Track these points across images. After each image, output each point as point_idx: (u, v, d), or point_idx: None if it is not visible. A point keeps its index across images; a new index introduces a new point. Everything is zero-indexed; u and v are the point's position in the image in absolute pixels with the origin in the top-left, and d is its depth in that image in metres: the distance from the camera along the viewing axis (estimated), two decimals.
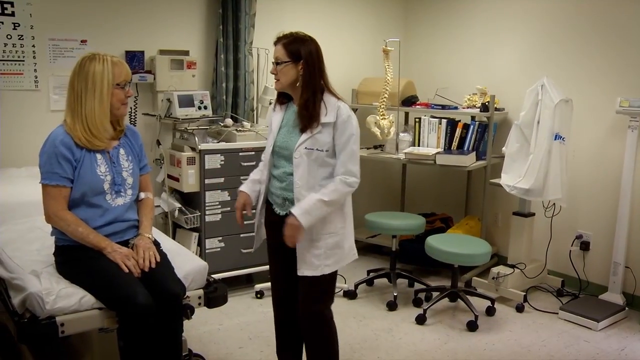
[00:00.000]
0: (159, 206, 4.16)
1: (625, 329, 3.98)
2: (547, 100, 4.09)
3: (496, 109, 4.70)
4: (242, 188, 2.86)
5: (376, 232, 4.82)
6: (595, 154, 4.45)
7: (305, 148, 2.61)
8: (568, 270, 4.62)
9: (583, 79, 4.45)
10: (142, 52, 4.24)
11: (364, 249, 5.20)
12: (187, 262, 2.77)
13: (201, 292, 2.71)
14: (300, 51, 2.61)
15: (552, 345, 3.73)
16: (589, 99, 4.40)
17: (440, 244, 4.05)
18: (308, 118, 2.61)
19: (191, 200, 4.18)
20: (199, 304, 2.67)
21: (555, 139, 4.09)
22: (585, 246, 4.54)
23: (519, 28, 4.85)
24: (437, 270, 4.85)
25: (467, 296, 4.12)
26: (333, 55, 5.33)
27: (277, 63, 2.64)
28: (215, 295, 2.72)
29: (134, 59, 4.20)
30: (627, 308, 4.17)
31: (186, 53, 4.36)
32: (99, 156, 2.56)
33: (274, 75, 2.70)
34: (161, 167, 4.25)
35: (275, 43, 2.68)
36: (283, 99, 2.80)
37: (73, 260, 2.53)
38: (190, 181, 4.01)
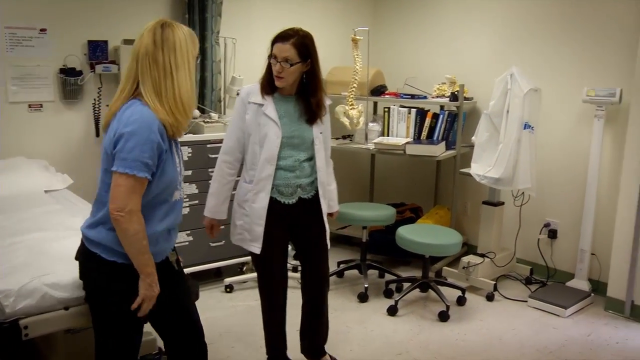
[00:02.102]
0: None
1: (592, 314, 4.04)
2: (517, 89, 4.10)
3: (465, 99, 4.70)
4: (206, 214, 2.96)
5: (346, 224, 4.79)
6: (563, 143, 4.49)
7: (320, 133, 2.86)
8: (536, 258, 4.67)
9: (551, 69, 4.47)
10: (106, 42, 4.11)
11: (334, 240, 5.05)
12: None
13: None
14: (309, 50, 2.71)
15: (523, 333, 3.76)
16: (556, 89, 4.43)
17: (412, 235, 4.04)
18: (319, 110, 2.82)
19: None
20: None
21: (524, 128, 4.10)
22: (553, 234, 4.59)
23: (488, 18, 4.85)
24: (407, 260, 4.85)
25: (438, 286, 4.13)
26: None
27: (286, 62, 2.67)
28: None
29: (97, 49, 4.07)
30: (592, 294, 4.23)
31: None
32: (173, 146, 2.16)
33: (277, 73, 2.71)
34: None
35: (281, 41, 2.69)
36: (267, 88, 2.80)
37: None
38: None
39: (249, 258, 4.35)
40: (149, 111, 1.98)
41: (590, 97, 4.10)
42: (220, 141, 4.07)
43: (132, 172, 1.94)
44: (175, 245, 3.76)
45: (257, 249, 2.84)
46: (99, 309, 2.13)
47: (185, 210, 4.05)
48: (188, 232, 4.09)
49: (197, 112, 4.25)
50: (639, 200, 3.87)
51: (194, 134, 4.08)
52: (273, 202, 2.82)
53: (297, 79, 2.77)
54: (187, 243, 4.10)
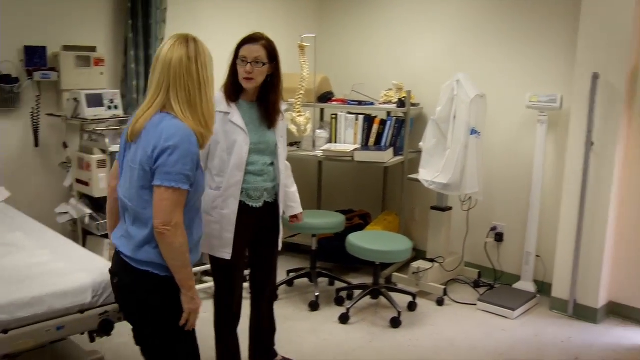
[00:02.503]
0: (66, 213, 3.91)
1: (538, 315, 4.14)
2: (463, 95, 4.16)
3: (412, 105, 4.75)
4: None
5: (296, 232, 4.75)
6: (508, 147, 4.58)
7: (281, 137, 2.95)
8: (484, 262, 4.75)
9: (496, 75, 4.57)
10: (44, 48, 3.94)
11: (283, 248, 5.11)
12: (105, 272, 2.54)
13: (116, 306, 2.52)
14: (275, 52, 2.83)
15: (474, 336, 3.81)
16: (501, 95, 4.52)
17: (362, 242, 4.04)
18: (277, 114, 2.89)
19: (102, 206, 3.94)
20: (119, 318, 2.50)
21: (471, 134, 4.16)
22: (499, 237, 4.67)
23: (434, 24, 4.91)
24: (356, 267, 4.84)
25: (389, 293, 4.14)
26: None
27: (257, 62, 2.73)
28: None
29: (35, 54, 3.90)
30: (538, 295, 4.33)
31: (93, 49, 4.11)
32: None
33: (247, 74, 2.74)
34: (68, 171, 4.00)
35: (252, 42, 2.76)
36: (232, 95, 2.83)
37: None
38: (101, 185, 3.78)
39: (197, 269, 4.26)
40: (183, 124, 1.99)
41: (533, 103, 4.20)
42: None
43: (177, 185, 1.95)
44: None
45: (227, 254, 2.84)
46: (160, 325, 2.11)
47: None
48: None
49: None
50: (580, 202, 3.98)
51: None
52: (242, 206, 2.86)
53: (261, 82, 2.82)
54: None
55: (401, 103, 4.70)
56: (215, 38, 4.91)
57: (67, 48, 3.99)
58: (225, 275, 2.97)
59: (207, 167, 2.84)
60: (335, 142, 5.02)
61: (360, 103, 4.95)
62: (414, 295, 4.21)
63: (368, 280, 4.27)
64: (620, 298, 4.13)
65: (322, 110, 5.40)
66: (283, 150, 2.99)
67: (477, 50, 4.66)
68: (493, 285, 4.58)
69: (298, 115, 4.71)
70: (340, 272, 4.75)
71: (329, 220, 4.39)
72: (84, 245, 3.93)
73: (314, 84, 4.88)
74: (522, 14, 4.41)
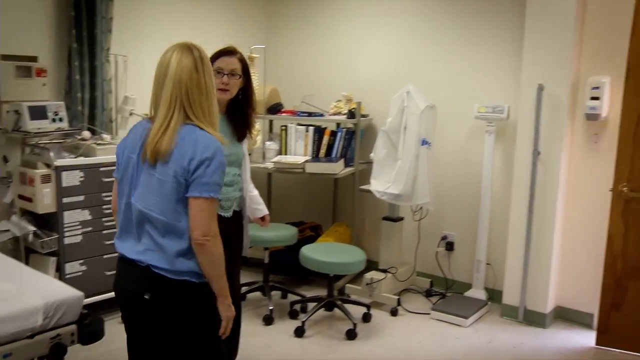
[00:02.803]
0: (8, 231, 3.73)
1: (490, 322, 4.20)
2: (413, 106, 4.20)
3: (362, 116, 4.77)
4: None
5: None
6: (458, 157, 4.65)
7: (246, 149, 3.00)
8: (435, 271, 4.79)
9: (445, 86, 4.64)
10: None
11: None
12: (57, 291, 2.48)
13: (74, 327, 2.42)
14: (247, 67, 2.88)
15: (429, 345, 3.83)
16: (450, 106, 4.59)
17: (316, 254, 4.01)
18: (250, 128, 2.93)
19: (47, 222, 3.78)
20: (72, 341, 2.39)
21: (422, 144, 4.20)
22: (450, 246, 4.73)
23: (383, 36, 4.96)
24: (309, 279, 4.81)
25: (344, 304, 4.12)
26: None
27: (233, 75, 2.77)
28: (90, 329, 2.45)
29: None
30: (489, 302, 4.40)
31: (34, 59, 3.94)
32: None
33: (224, 85, 2.75)
34: (9, 187, 3.81)
35: (228, 55, 2.80)
36: None
37: (215, 311, 2.09)
38: (45, 201, 3.62)
39: None
40: (211, 135, 2.02)
41: (481, 114, 4.29)
42: (114, 164, 3.87)
43: (215, 195, 1.98)
44: (67, 276, 3.51)
45: None
46: (199, 331, 2.09)
47: (77, 239, 3.80)
48: (81, 261, 3.82)
49: (87, 134, 3.99)
50: (528, 210, 4.08)
51: (85, 156, 3.83)
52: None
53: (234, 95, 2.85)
54: (80, 273, 3.82)
55: (351, 114, 4.72)
56: (161, 48, 4.79)
57: (6, 57, 3.81)
58: None
59: None
60: (286, 154, 4.98)
61: (310, 114, 4.94)
62: (368, 307, 4.20)
63: (321, 292, 4.25)
64: (565, 302, 4.24)
65: (271, 122, 5.36)
66: (248, 162, 3.07)
67: (426, 61, 4.73)
68: (445, 294, 4.63)
69: None
70: (292, 284, 4.71)
71: (281, 233, 4.34)
72: (27, 263, 3.75)
73: (264, 95, 4.84)
74: (470, 27, 4.50)
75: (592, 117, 3.89)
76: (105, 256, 3.93)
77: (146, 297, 2.02)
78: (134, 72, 4.54)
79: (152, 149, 1.98)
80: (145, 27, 4.62)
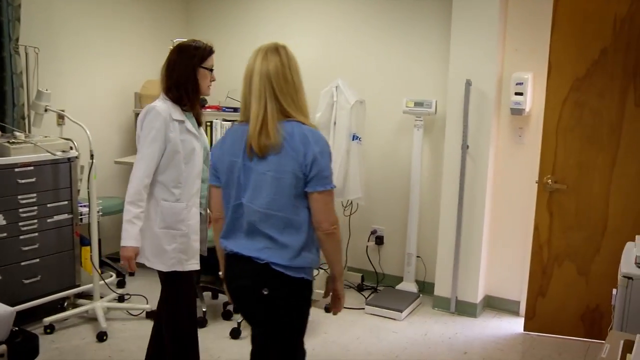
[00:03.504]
0: None
1: (423, 314, 4.26)
2: (343, 101, 4.18)
3: None
4: (131, 242, 2.72)
5: None
6: (387, 152, 4.68)
7: None
8: (366, 265, 4.81)
9: (373, 81, 4.65)
10: None
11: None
12: None
13: (4, 347, 2.22)
14: None
15: (367, 340, 3.83)
16: (379, 100, 4.61)
17: None
18: (200, 121, 2.91)
19: None
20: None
21: (352, 140, 4.20)
22: (379, 240, 4.76)
23: (309, 28, 4.90)
24: None
25: None
26: (112, 57, 4.89)
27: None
28: (23, 348, 2.25)
29: None
30: (420, 295, 4.47)
31: None
32: None
33: (212, 83, 2.84)
34: None
35: (213, 53, 2.84)
36: (193, 104, 2.80)
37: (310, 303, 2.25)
38: None
39: (70, 292, 3.91)
40: (314, 128, 2.11)
41: (409, 108, 4.33)
42: (30, 164, 3.61)
43: (333, 186, 2.10)
44: None
45: (197, 265, 2.83)
46: (302, 323, 2.24)
47: None
48: None
49: None
50: (458, 204, 4.16)
51: None
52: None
53: None
54: None
55: None
56: (75, 39, 4.56)
57: None
58: (186, 286, 2.86)
59: (158, 181, 2.70)
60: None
61: (235, 110, 4.82)
62: None
63: None
64: (493, 291, 4.38)
65: None
66: None
67: (353, 56, 4.72)
68: (376, 288, 4.66)
69: None
70: (222, 283, 4.57)
71: (212, 233, 4.19)
72: None
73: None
74: (398, 22, 4.53)
75: (516, 111, 4.02)
76: (23, 263, 3.65)
77: (264, 292, 2.10)
78: (47, 65, 4.26)
79: (256, 144, 2.04)
80: (56, 16, 4.35)
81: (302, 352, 2.31)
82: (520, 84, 3.98)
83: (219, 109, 4.87)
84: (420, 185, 4.44)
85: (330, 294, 2.29)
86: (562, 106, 3.75)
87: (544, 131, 3.82)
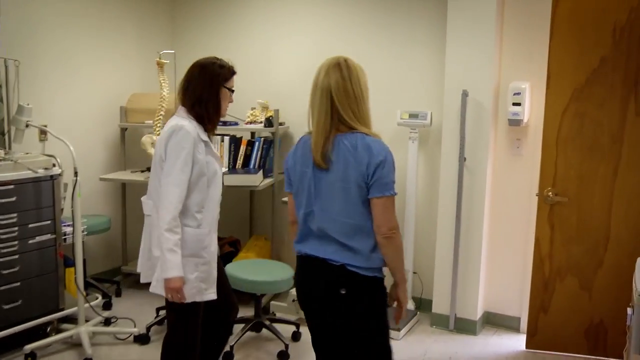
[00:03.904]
0: None
1: (421, 332, 4.13)
2: None
3: (279, 124, 4.57)
4: (178, 272, 2.57)
5: None
6: None
7: None
8: None
9: None
10: None
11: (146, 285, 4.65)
12: None
13: None
14: None
15: None
16: (372, 112, 4.43)
17: (243, 273, 3.77)
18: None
19: None
20: None
21: None
22: None
23: (299, 39, 4.78)
24: None
25: (272, 324, 3.90)
26: (97, 70, 4.74)
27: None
28: None
29: None
30: (418, 312, 4.33)
31: None
32: None
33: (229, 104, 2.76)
34: None
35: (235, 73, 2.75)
36: (214, 125, 2.75)
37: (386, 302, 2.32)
38: None
39: (53, 317, 3.73)
40: (377, 138, 2.23)
41: (404, 120, 4.21)
42: (10, 183, 3.47)
43: (393, 192, 2.21)
44: None
45: (214, 294, 2.70)
46: (376, 323, 2.28)
47: None
48: None
49: None
50: (456, 218, 4.04)
51: None
52: None
53: None
54: None
55: (268, 122, 4.51)
56: (57, 52, 4.40)
57: None
58: (197, 316, 2.70)
59: (185, 205, 2.57)
60: None
61: (224, 123, 4.68)
62: (297, 325, 4.00)
63: (245, 311, 4.00)
64: (492, 307, 4.26)
65: None
66: None
67: None
68: None
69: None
70: None
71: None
72: None
73: (175, 104, 4.51)
74: (393, 32, 4.43)
75: (514, 122, 3.92)
76: (2, 287, 3.48)
77: (342, 292, 2.20)
78: (28, 79, 4.10)
79: (319, 156, 2.18)
80: (38, 29, 4.18)
81: (389, 353, 2.33)
82: (518, 94, 3.88)
83: None
84: (416, 199, 4.32)
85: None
86: (562, 116, 3.65)
87: (544, 142, 3.72)
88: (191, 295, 2.59)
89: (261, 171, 4.48)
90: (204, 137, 2.62)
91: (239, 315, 4.13)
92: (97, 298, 4.18)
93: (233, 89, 2.74)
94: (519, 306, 4.13)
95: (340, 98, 2.19)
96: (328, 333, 2.32)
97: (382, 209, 2.17)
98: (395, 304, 2.34)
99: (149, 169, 4.78)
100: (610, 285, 3.66)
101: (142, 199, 2.82)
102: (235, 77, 2.73)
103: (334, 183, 2.18)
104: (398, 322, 2.36)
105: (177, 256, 2.50)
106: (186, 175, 2.52)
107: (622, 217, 3.62)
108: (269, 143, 4.62)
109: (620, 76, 3.54)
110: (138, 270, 2.82)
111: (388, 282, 2.28)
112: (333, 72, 2.23)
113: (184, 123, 2.57)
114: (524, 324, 4.05)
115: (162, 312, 4.13)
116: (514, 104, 3.89)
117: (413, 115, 4.18)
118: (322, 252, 2.23)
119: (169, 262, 2.48)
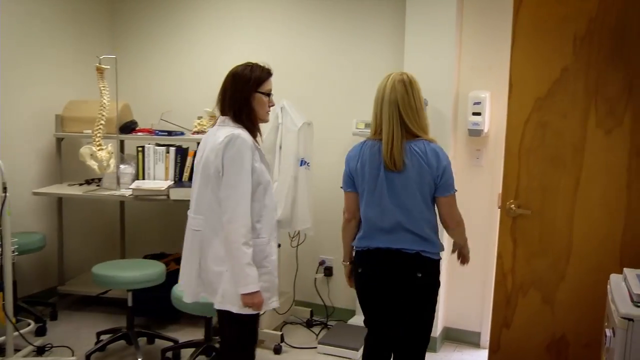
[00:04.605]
0: None
1: None
2: (289, 123, 3.87)
3: None
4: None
5: (108, 288, 4.02)
6: (335, 177, 4.30)
7: None
8: (314, 299, 4.49)
9: (321, 102, 4.38)
10: None
11: (86, 303, 4.31)
12: None
13: None
14: None
15: None
16: (327, 122, 4.33)
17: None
18: None
19: None
20: None
21: (300, 165, 3.88)
22: (328, 272, 4.46)
23: (250, 48, 4.56)
24: (176, 318, 4.26)
25: None
26: (30, 76, 4.39)
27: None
28: None
29: None
30: None
31: None
32: None
33: (270, 108, 2.72)
34: None
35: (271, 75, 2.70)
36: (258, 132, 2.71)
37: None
38: None
39: None
40: (439, 146, 2.59)
41: (360, 130, 4.06)
42: None
43: (455, 191, 2.63)
44: None
45: (277, 302, 2.70)
46: (436, 297, 2.70)
47: None
48: None
49: None
50: None
51: None
52: None
53: None
54: None
55: None
56: None
57: None
58: (255, 325, 2.73)
59: None
60: (144, 179, 4.39)
61: (170, 133, 4.41)
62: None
63: (194, 333, 3.76)
64: (451, 322, 4.14)
65: (122, 142, 4.71)
66: None
67: (300, 75, 4.42)
68: (327, 323, 4.32)
69: (99, 149, 4.05)
70: (159, 326, 4.13)
71: (148, 272, 3.73)
72: None
73: (116, 112, 4.23)
74: (348, 39, 4.29)
75: (474, 132, 3.82)
76: None
77: (419, 275, 2.56)
78: None
79: (391, 160, 2.50)
80: None
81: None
82: (478, 103, 3.79)
83: (151, 132, 4.44)
84: None
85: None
86: (524, 127, 3.55)
87: (506, 153, 3.61)
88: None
89: None
90: (256, 144, 2.59)
91: (186, 336, 3.91)
92: (29, 324, 3.83)
93: (270, 92, 2.67)
94: (480, 321, 4.03)
95: (406, 110, 2.53)
96: (396, 311, 2.63)
97: (448, 206, 2.59)
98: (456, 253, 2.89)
99: (87, 182, 4.47)
100: (572, 299, 3.58)
101: (189, 213, 2.70)
102: (270, 80, 2.69)
103: (410, 183, 2.51)
104: (463, 264, 2.91)
105: (255, 269, 2.48)
106: (250, 185, 2.49)
107: (584, 230, 3.54)
108: None
109: (581, 86, 3.46)
110: (180, 289, 2.77)
111: None
112: (399, 87, 2.54)
113: (239, 132, 2.52)
114: (484, 339, 3.94)
115: (104, 337, 3.82)
116: (474, 114, 3.79)
117: (369, 125, 4.00)
118: (395, 244, 2.55)
119: (249, 277, 2.47)
